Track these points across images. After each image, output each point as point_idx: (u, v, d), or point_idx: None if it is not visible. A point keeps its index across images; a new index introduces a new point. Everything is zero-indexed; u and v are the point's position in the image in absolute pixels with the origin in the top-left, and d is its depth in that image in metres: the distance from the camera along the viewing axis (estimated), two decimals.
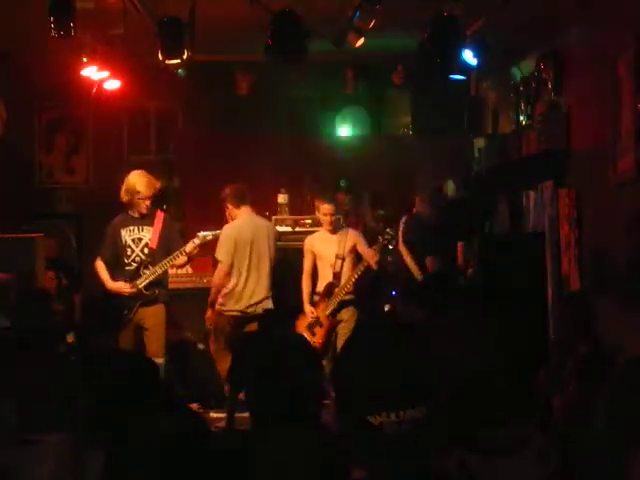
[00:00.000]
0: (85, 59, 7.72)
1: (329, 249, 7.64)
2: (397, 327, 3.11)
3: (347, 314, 7.57)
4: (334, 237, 7.65)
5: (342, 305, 7.60)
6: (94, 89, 8.28)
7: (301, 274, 7.87)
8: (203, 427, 2.16)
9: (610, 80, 6.17)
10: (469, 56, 7.11)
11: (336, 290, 7.57)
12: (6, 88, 8.91)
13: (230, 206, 7.71)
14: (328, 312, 7.54)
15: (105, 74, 8.03)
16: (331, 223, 7.63)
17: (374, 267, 7.60)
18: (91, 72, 7.88)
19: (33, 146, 10.39)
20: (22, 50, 8.48)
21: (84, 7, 6.52)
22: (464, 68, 7.83)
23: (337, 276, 7.59)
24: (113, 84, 8.29)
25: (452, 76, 8.34)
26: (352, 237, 7.67)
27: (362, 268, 7.57)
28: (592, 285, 6.20)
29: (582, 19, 6.80)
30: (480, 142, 9.01)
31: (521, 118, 8.26)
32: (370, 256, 7.52)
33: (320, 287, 7.70)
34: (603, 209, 6.35)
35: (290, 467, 2.53)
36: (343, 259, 7.60)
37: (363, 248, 7.62)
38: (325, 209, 7.64)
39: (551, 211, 7.30)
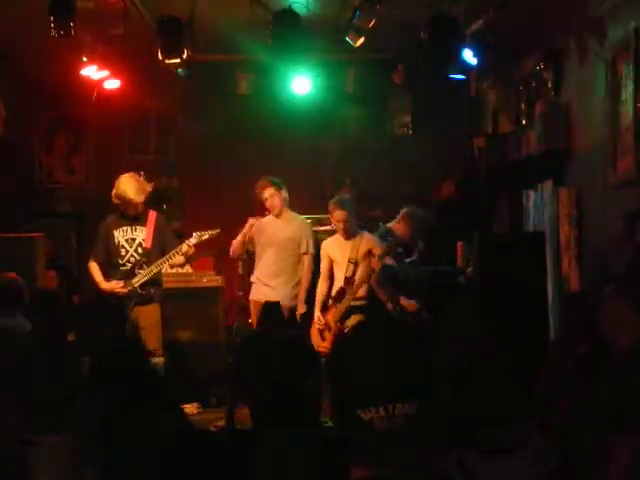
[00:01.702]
0: (85, 59, 7.72)
1: (343, 254, 7.54)
2: (395, 327, 3.11)
3: (355, 321, 7.44)
4: (349, 242, 7.57)
5: (351, 311, 7.48)
6: (95, 93, 8.28)
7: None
8: (189, 428, 2.16)
9: (610, 79, 6.17)
10: (469, 56, 7.12)
11: (346, 295, 7.49)
12: (6, 88, 8.91)
13: (285, 194, 7.82)
14: (337, 318, 7.46)
15: (105, 74, 8.03)
16: (344, 230, 7.54)
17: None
18: (91, 72, 7.88)
19: (33, 146, 10.39)
20: (22, 50, 8.48)
21: (84, 7, 6.53)
22: (464, 68, 7.84)
23: (348, 281, 7.48)
24: (113, 84, 8.29)
25: (452, 76, 8.34)
26: (367, 241, 7.54)
27: (368, 271, 7.45)
28: (592, 285, 6.20)
29: (582, 18, 6.80)
30: (480, 142, 9.00)
31: (521, 118, 8.26)
32: (375, 263, 7.44)
33: (334, 291, 7.64)
34: (603, 209, 6.36)
35: (290, 467, 2.53)
36: (356, 263, 7.50)
37: (378, 252, 7.51)
38: (337, 216, 7.53)
39: (551, 210, 7.30)
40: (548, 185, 7.43)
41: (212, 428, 6.97)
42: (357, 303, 7.43)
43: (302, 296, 7.71)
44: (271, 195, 7.76)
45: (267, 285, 7.78)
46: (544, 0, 7.16)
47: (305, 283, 7.74)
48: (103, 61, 7.83)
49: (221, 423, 7.20)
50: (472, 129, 9.74)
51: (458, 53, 6.74)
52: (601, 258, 6.26)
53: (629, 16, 5.92)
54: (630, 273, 5.57)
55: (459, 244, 7.94)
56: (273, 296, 7.62)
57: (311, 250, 7.79)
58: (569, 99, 7.14)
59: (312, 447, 2.56)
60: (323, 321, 7.45)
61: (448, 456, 2.54)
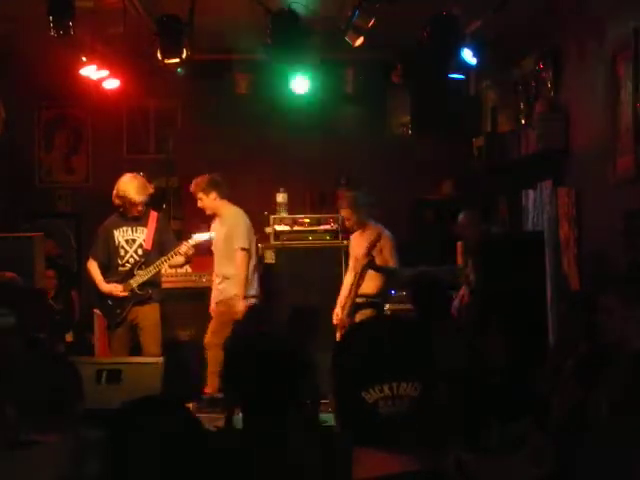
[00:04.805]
0: (84, 58, 7.72)
1: (358, 248, 7.59)
2: (400, 320, 3.06)
3: (361, 317, 7.40)
4: (363, 236, 7.59)
5: (359, 307, 7.44)
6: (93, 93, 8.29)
7: (294, 273, 7.93)
8: (200, 427, 2.16)
9: (610, 79, 6.17)
10: (468, 55, 7.12)
11: (352, 290, 7.49)
12: (6, 88, 8.90)
13: (216, 196, 7.65)
14: (346, 312, 7.45)
15: (104, 73, 8.03)
16: (350, 226, 7.72)
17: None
18: (90, 71, 7.88)
19: (33, 145, 10.39)
20: (22, 50, 8.47)
21: (83, 6, 6.54)
22: (463, 67, 7.83)
23: (357, 276, 7.51)
24: (112, 83, 8.29)
25: (451, 75, 8.34)
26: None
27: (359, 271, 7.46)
28: (593, 285, 6.20)
29: (581, 17, 6.80)
30: (479, 141, 9.01)
31: (520, 117, 8.26)
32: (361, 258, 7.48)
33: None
34: (603, 208, 6.36)
35: (290, 467, 2.53)
36: None
37: (387, 251, 7.50)
38: (342, 214, 7.82)
39: (550, 210, 7.30)
40: (547, 185, 7.42)
41: (212, 428, 6.97)
42: (361, 300, 7.42)
43: (239, 292, 7.50)
44: (199, 199, 7.68)
45: (217, 289, 7.74)
46: (544, 0, 7.16)
47: (240, 279, 7.52)
48: (102, 61, 7.83)
49: (221, 423, 7.20)
50: (471, 129, 9.73)
51: (458, 53, 6.74)
52: (601, 258, 6.25)
53: (629, 16, 5.92)
54: (630, 273, 5.56)
55: (458, 243, 7.94)
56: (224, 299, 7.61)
57: (241, 245, 7.57)
58: (569, 99, 7.14)
59: (311, 447, 2.56)
60: (340, 316, 7.45)
61: (448, 456, 2.54)
